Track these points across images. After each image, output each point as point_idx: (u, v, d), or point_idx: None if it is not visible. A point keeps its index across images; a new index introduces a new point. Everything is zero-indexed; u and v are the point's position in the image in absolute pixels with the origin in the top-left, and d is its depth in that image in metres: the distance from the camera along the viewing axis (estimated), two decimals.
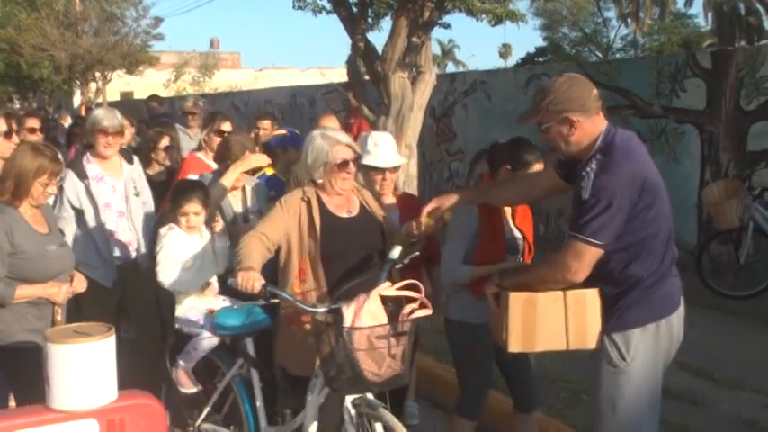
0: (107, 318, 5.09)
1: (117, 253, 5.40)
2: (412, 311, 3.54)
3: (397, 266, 4.07)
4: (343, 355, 3.49)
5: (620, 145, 3.42)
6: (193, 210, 4.67)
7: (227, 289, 4.64)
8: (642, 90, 10.45)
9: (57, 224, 4.44)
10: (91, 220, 5.30)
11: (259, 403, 4.36)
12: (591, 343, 3.51)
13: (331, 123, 6.15)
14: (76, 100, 37.56)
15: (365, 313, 3.48)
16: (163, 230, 4.72)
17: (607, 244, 3.34)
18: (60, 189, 5.19)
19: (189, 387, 4.65)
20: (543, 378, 5.89)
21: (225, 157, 5.15)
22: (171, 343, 4.70)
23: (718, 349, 6.66)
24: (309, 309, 3.76)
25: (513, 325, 3.49)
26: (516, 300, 3.49)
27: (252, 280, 3.71)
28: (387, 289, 3.60)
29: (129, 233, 5.44)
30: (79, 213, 5.29)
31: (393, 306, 3.58)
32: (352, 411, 3.66)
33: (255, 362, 4.38)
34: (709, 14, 39.44)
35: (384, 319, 3.52)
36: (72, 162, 5.48)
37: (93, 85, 35.29)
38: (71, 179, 5.28)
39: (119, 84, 38.53)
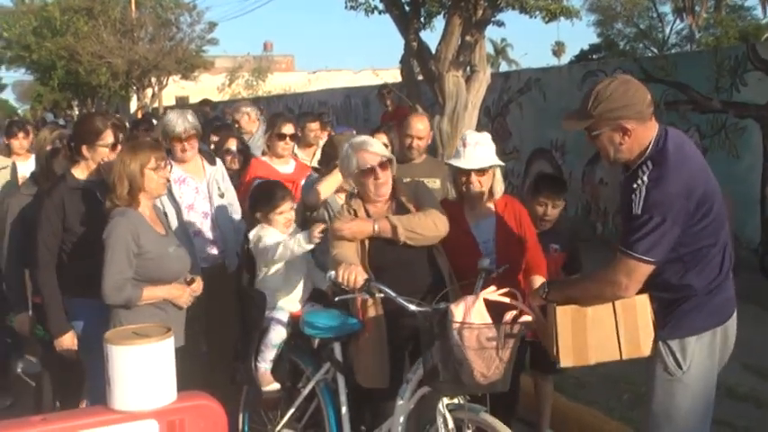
0: (190, 326, 4.95)
1: (202, 255, 5.25)
2: (515, 317, 3.49)
3: (492, 275, 3.94)
4: (441, 356, 3.46)
5: (672, 153, 3.27)
6: (289, 207, 4.70)
7: (314, 296, 4.69)
8: (701, 84, 10.23)
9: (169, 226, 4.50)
10: (174, 223, 5.15)
11: (344, 410, 4.22)
12: (645, 350, 3.39)
13: (420, 124, 5.90)
14: (133, 105, 38.22)
15: (474, 313, 3.46)
16: (253, 233, 4.69)
17: (659, 261, 3.23)
18: None
19: (269, 384, 4.57)
20: (605, 379, 5.79)
21: (332, 158, 5.01)
22: (256, 344, 4.62)
23: None
24: (414, 307, 3.68)
25: (564, 339, 3.37)
26: (565, 313, 3.38)
27: (354, 273, 3.73)
28: (491, 293, 3.57)
29: (214, 234, 5.37)
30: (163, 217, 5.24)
31: (492, 312, 3.54)
32: (448, 417, 3.60)
33: (343, 367, 4.26)
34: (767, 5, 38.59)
35: (490, 321, 3.49)
36: None
37: (149, 91, 35.91)
38: None
39: (174, 89, 39.12)
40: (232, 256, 5.38)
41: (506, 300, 3.56)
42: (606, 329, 3.36)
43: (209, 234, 5.35)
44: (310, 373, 4.44)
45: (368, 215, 4.18)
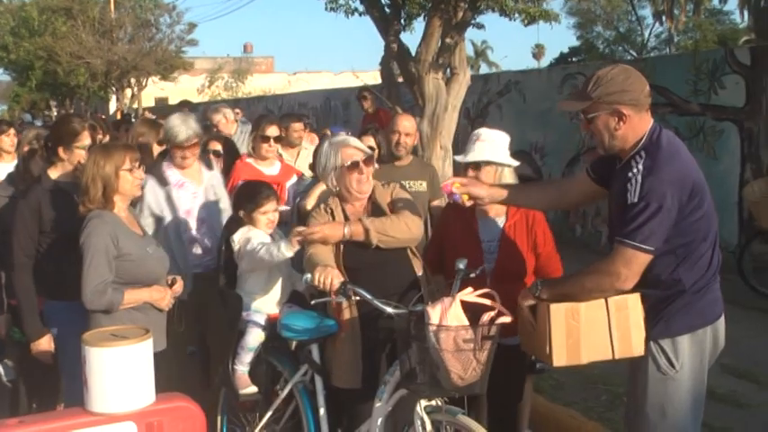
0: (181, 332, 4.93)
1: (196, 261, 5.18)
2: (493, 318, 3.46)
3: (471, 276, 3.86)
4: (419, 358, 3.45)
5: (666, 145, 3.29)
6: (273, 207, 4.65)
7: (292, 298, 4.60)
8: (679, 87, 10.30)
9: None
10: (170, 228, 5.10)
11: (322, 412, 4.18)
12: (637, 350, 3.38)
13: (407, 122, 5.87)
14: (112, 106, 38.02)
15: (451, 315, 3.43)
16: (239, 235, 4.59)
17: (657, 249, 3.22)
18: (141, 196, 5.03)
19: (246, 387, 4.52)
20: (584, 380, 5.82)
21: None
22: (233, 347, 4.57)
23: (762, 351, 6.53)
24: (391, 310, 3.66)
25: (557, 338, 3.34)
26: (558, 311, 3.34)
27: (330, 276, 3.68)
28: (468, 295, 3.54)
29: (209, 240, 5.26)
30: (158, 221, 5.11)
31: (469, 314, 3.50)
32: (426, 419, 3.58)
33: (321, 369, 4.22)
34: (745, 10, 38.97)
35: (467, 323, 3.46)
36: (152, 168, 5.28)
37: (128, 92, 35.73)
38: (152, 186, 5.11)
39: (153, 90, 38.96)
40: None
41: (484, 301, 3.52)
42: (599, 329, 3.34)
43: (204, 240, 5.26)
44: (288, 375, 4.40)
45: (345, 215, 4.17)
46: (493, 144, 4.41)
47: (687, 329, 3.35)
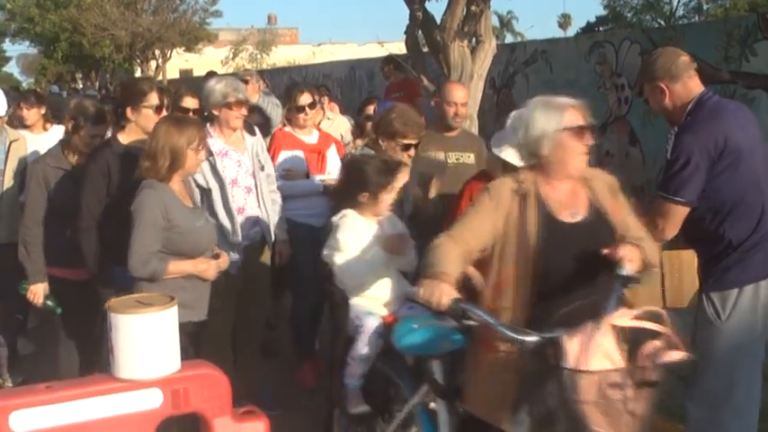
0: (229, 307, 4.94)
1: (244, 232, 5.01)
2: (657, 352, 2.64)
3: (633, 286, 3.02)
4: (557, 400, 2.68)
5: (709, 107, 3.57)
6: (402, 182, 4.02)
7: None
8: (709, 55, 10.10)
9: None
10: (217, 200, 4.92)
11: None
12: (687, 302, 3.70)
13: (460, 91, 5.63)
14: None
15: (596, 351, 2.61)
16: (336, 219, 4.04)
17: (690, 201, 3.48)
18: None
19: (358, 406, 3.91)
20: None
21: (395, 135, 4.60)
22: (340, 354, 3.96)
23: None
24: (516, 336, 2.87)
25: None
26: None
27: (439, 292, 2.86)
28: (622, 318, 2.69)
29: (257, 210, 5.10)
30: (204, 193, 4.88)
31: (628, 342, 2.69)
32: None
33: (443, 390, 3.52)
34: None
35: (619, 360, 2.64)
36: None
37: (152, 63, 35.80)
38: None
39: (178, 61, 39.02)
40: (270, 231, 5.21)
41: (649, 325, 2.67)
42: (652, 279, 3.56)
43: (252, 210, 5.10)
44: (407, 393, 3.70)
45: (538, 201, 3.21)
46: None
47: (736, 284, 3.58)
